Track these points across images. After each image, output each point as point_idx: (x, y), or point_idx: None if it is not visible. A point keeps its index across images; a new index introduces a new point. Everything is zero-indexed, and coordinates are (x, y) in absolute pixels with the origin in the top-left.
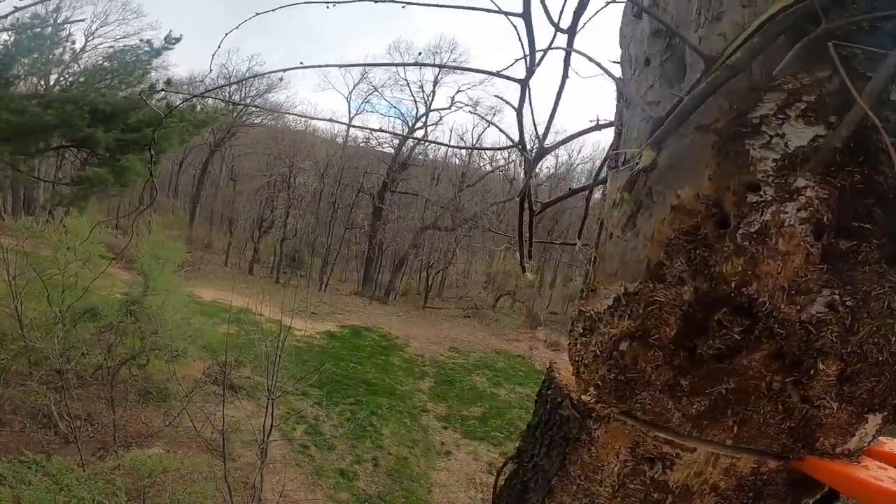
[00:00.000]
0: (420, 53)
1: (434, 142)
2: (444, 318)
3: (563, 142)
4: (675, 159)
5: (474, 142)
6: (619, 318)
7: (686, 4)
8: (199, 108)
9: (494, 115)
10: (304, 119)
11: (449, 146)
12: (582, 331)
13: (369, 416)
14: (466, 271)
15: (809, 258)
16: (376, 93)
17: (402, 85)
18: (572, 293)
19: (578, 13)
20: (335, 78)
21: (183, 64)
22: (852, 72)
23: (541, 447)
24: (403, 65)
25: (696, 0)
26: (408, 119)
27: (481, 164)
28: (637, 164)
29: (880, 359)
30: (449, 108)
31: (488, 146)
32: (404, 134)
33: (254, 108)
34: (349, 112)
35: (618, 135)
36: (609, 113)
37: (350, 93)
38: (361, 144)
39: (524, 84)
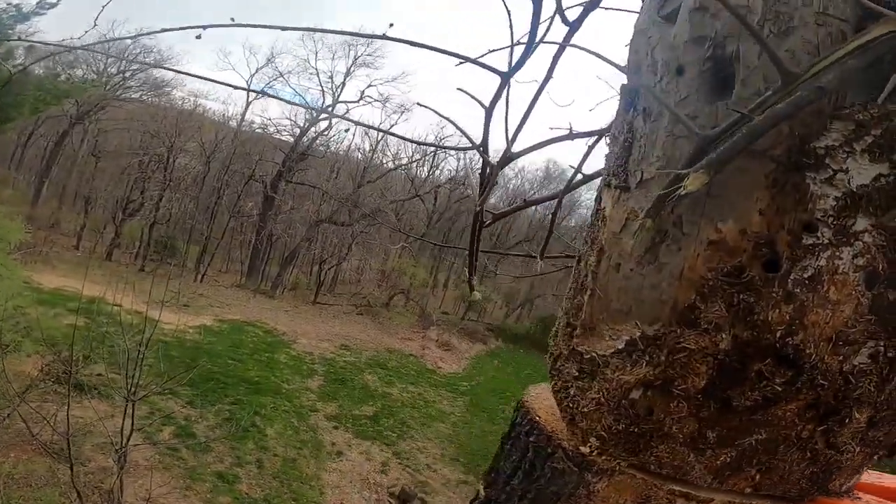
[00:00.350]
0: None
1: (396, 135)
2: (336, 315)
3: (533, 148)
4: (717, 186)
5: (378, 138)
6: (633, 364)
7: (745, 14)
8: (63, 76)
9: (402, 113)
10: (192, 98)
11: (412, 142)
12: (578, 374)
13: (252, 416)
14: (361, 268)
15: (858, 308)
16: (281, 79)
17: (311, 73)
18: (464, 294)
19: (589, 8)
20: (236, 60)
21: (61, 32)
22: None
23: (521, 500)
24: (363, 35)
25: (761, 11)
26: (313, 109)
27: (384, 161)
28: (679, 188)
29: None
30: (358, 101)
31: (451, 145)
32: (324, 112)
33: (139, 66)
34: (247, 98)
35: (625, 148)
36: (581, 122)
37: (252, 76)
38: (258, 131)
39: (505, 78)
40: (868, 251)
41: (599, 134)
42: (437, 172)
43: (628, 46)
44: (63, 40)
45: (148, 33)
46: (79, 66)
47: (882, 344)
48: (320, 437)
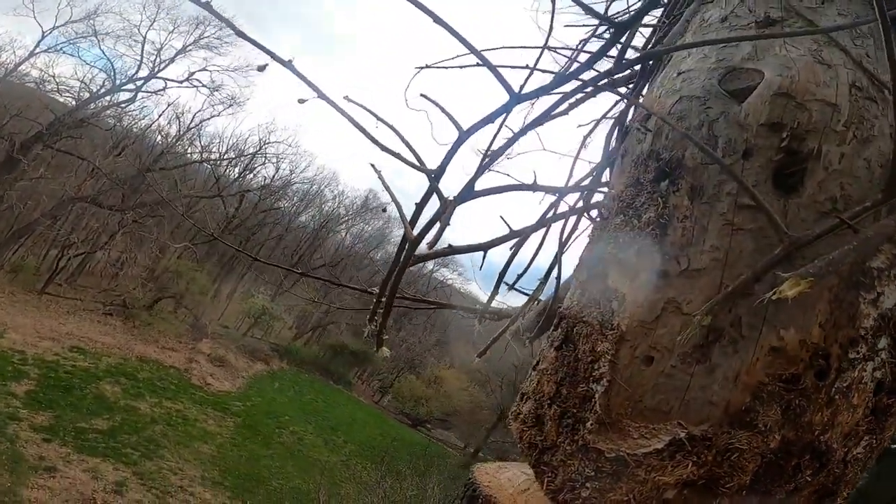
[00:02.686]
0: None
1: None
2: (72, 311)
3: (495, 191)
4: None
5: (188, 124)
6: (675, 464)
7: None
8: None
9: (230, 106)
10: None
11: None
12: (595, 473)
13: None
14: (122, 261)
15: (866, 410)
16: (94, 38)
17: (135, 40)
18: (249, 309)
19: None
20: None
21: None
22: None
23: None
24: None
25: (847, 113)
26: (116, 75)
27: (189, 151)
28: (772, 293)
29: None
30: (181, 82)
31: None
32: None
33: None
34: (34, 48)
35: (659, 226)
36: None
37: (53, 28)
38: (30, 84)
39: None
40: (884, 365)
41: (560, 192)
42: (251, 176)
43: (661, 108)
44: None
45: None
46: None
47: (875, 439)
48: (20, 450)
